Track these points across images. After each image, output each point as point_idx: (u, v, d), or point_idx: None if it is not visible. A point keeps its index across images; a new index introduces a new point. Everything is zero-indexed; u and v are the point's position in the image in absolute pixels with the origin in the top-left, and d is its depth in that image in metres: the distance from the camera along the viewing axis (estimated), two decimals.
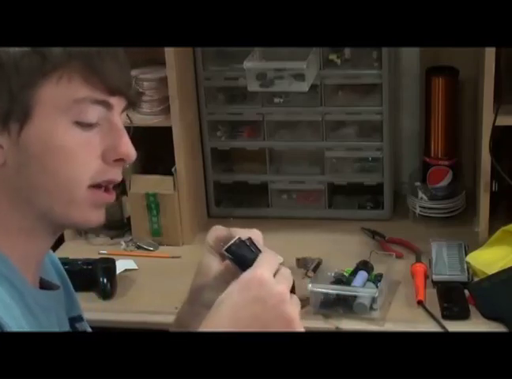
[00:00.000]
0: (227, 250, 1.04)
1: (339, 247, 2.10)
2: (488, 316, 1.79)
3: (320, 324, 1.81)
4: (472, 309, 1.82)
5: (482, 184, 1.99)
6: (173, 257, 2.14)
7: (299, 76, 2.07)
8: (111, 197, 1.06)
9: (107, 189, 1.05)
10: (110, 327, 1.83)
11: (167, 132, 2.10)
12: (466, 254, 2.00)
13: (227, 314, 0.99)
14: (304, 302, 1.87)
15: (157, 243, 2.20)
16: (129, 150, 1.03)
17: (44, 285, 1.12)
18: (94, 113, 1.00)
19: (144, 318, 1.85)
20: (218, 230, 1.13)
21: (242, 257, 1.03)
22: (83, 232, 2.21)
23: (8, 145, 0.99)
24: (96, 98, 1.00)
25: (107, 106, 1.01)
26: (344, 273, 1.91)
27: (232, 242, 1.04)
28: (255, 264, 1.02)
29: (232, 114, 2.28)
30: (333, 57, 2.17)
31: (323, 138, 2.25)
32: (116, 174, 1.05)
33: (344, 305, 1.82)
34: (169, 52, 2.03)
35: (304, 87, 2.08)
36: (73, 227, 1.10)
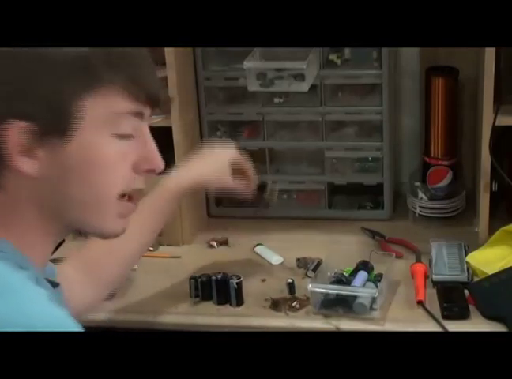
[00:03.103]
0: None
1: (339, 247, 2.10)
2: (488, 316, 1.79)
3: (320, 324, 1.81)
4: (472, 309, 1.82)
5: (482, 184, 1.99)
6: (173, 257, 2.14)
7: (299, 76, 2.07)
8: (135, 206, 1.07)
9: (130, 198, 1.06)
10: (109, 327, 1.83)
11: (167, 132, 2.09)
12: (466, 254, 2.00)
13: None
14: (304, 302, 1.87)
15: (157, 243, 2.20)
16: (160, 161, 1.06)
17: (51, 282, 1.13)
18: (130, 124, 1.01)
19: (144, 318, 1.85)
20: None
21: None
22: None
23: (45, 158, 0.98)
24: (134, 110, 1.01)
25: (141, 116, 1.02)
26: (344, 273, 1.91)
27: None
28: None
29: (232, 114, 2.27)
30: (333, 57, 2.17)
31: (323, 138, 2.24)
32: (141, 183, 1.06)
33: (344, 305, 1.82)
34: (169, 52, 2.03)
35: (304, 87, 2.08)
36: (98, 236, 1.10)
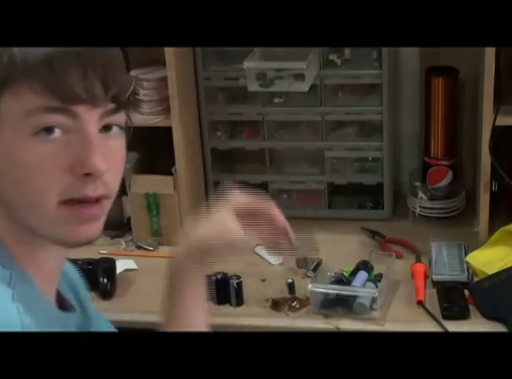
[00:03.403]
0: None
1: (339, 247, 2.10)
2: (488, 316, 1.79)
3: (320, 324, 1.81)
4: (472, 309, 1.82)
5: (482, 184, 1.99)
6: None
7: (299, 76, 2.07)
8: (90, 212, 0.98)
9: (86, 203, 0.98)
10: None
11: (167, 132, 2.09)
12: (466, 254, 2.00)
13: None
14: (304, 302, 1.87)
15: (157, 243, 2.20)
16: (96, 163, 0.95)
17: (62, 303, 1.11)
18: (52, 122, 0.94)
19: (144, 318, 1.85)
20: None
21: None
22: None
23: None
24: (51, 106, 0.94)
25: (71, 115, 0.95)
26: (344, 273, 1.91)
27: None
28: None
29: (232, 114, 2.28)
30: (333, 57, 2.17)
31: (323, 138, 2.25)
32: (89, 190, 0.97)
33: (344, 305, 1.82)
34: (169, 52, 2.03)
35: (304, 87, 2.08)
36: (67, 245, 1.03)
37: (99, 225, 1.01)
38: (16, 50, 0.94)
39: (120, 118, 1.01)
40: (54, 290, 1.09)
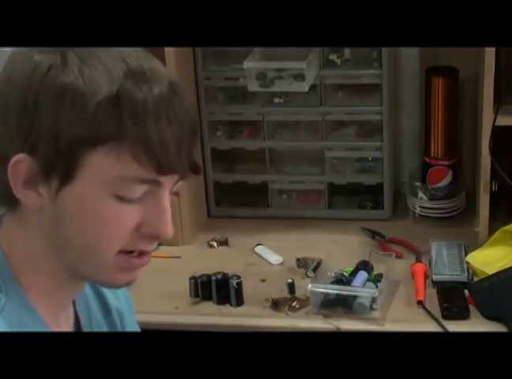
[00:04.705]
0: None
1: (339, 247, 2.10)
2: (488, 316, 1.79)
3: (320, 324, 1.81)
4: (472, 309, 1.82)
5: (482, 184, 1.99)
6: (173, 257, 2.13)
7: (299, 76, 2.07)
8: (141, 263, 1.02)
9: (139, 255, 1.01)
10: None
11: None
12: (466, 254, 2.00)
13: None
14: (304, 302, 1.87)
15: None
16: (167, 230, 0.99)
17: (80, 324, 1.11)
18: (139, 191, 0.96)
19: (144, 318, 1.84)
20: None
21: None
22: None
23: (47, 197, 0.96)
24: (144, 178, 0.95)
25: (156, 184, 0.96)
26: (344, 273, 1.91)
27: None
28: None
29: (232, 114, 2.27)
30: (333, 57, 2.17)
31: (323, 138, 2.24)
32: (147, 246, 1.01)
33: (344, 305, 1.82)
34: (169, 52, 2.03)
35: (304, 87, 2.08)
36: (105, 286, 1.09)
37: (140, 271, 1.04)
38: (129, 111, 0.92)
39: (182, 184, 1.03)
40: (67, 313, 1.09)
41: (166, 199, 0.98)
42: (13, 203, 0.99)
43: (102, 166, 0.94)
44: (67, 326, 1.08)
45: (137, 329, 1.26)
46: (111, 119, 0.92)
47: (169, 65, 2.04)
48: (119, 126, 0.92)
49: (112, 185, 0.94)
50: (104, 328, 1.16)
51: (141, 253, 1.01)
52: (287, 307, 1.87)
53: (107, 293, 1.19)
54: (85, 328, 1.12)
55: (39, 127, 0.93)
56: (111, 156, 0.93)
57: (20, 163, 0.95)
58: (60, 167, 0.94)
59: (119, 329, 1.19)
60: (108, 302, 1.19)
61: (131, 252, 1.00)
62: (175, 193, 1.03)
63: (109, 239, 0.97)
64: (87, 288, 1.14)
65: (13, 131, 0.95)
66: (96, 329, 1.14)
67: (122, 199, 0.95)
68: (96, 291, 1.17)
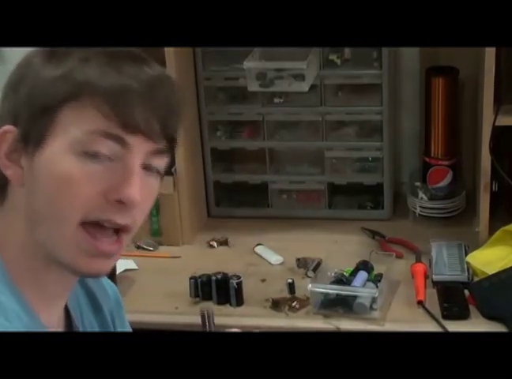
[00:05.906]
0: None
1: (339, 247, 2.10)
2: (488, 316, 1.79)
3: (320, 324, 1.81)
4: (472, 309, 1.82)
5: (482, 184, 1.99)
6: (173, 257, 2.14)
7: (299, 76, 2.07)
8: (109, 248, 1.00)
9: (107, 238, 1.00)
10: None
11: None
12: (466, 254, 2.00)
13: None
14: (304, 302, 1.87)
15: (157, 243, 2.20)
16: (131, 193, 0.97)
17: (70, 323, 1.11)
18: (104, 147, 0.97)
19: (144, 318, 1.85)
20: None
21: None
22: None
23: (26, 168, 0.98)
24: (109, 132, 0.96)
25: (122, 143, 0.97)
26: (344, 273, 1.91)
27: None
28: None
29: (232, 114, 2.27)
30: (333, 57, 2.17)
31: (323, 138, 2.24)
32: (117, 217, 0.99)
33: (344, 305, 1.82)
34: (169, 52, 2.03)
35: (304, 87, 2.08)
36: (75, 273, 1.05)
37: (111, 262, 1.03)
38: (92, 70, 0.97)
39: (162, 162, 1.04)
40: (59, 308, 1.09)
41: (135, 165, 0.98)
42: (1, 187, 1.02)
43: (69, 122, 0.96)
44: (58, 321, 1.08)
45: (127, 326, 1.25)
46: (79, 74, 0.96)
47: (169, 65, 2.05)
48: (86, 81, 0.96)
49: (79, 143, 0.96)
50: (95, 325, 1.16)
51: (107, 236, 0.99)
52: (287, 307, 1.87)
53: (97, 290, 1.19)
54: (77, 324, 1.12)
55: (20, 97, 0.98)
56: (78, 111, 0.96)
57: (8, 133, 0.99)
58: (35, 131, 0.97)
59: (110, 326, 1.19)
60: (98, 299, 1.19)
61: (98, 229, 0.99)
62: (158, 172, 1.03)
63: (73, 202, 0.97)
64: (77, 287, 1.14)
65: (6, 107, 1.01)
66: (88, 326, 1.14)
67: (88, 156, 0.96)
68: (86, 289, 1.17)
